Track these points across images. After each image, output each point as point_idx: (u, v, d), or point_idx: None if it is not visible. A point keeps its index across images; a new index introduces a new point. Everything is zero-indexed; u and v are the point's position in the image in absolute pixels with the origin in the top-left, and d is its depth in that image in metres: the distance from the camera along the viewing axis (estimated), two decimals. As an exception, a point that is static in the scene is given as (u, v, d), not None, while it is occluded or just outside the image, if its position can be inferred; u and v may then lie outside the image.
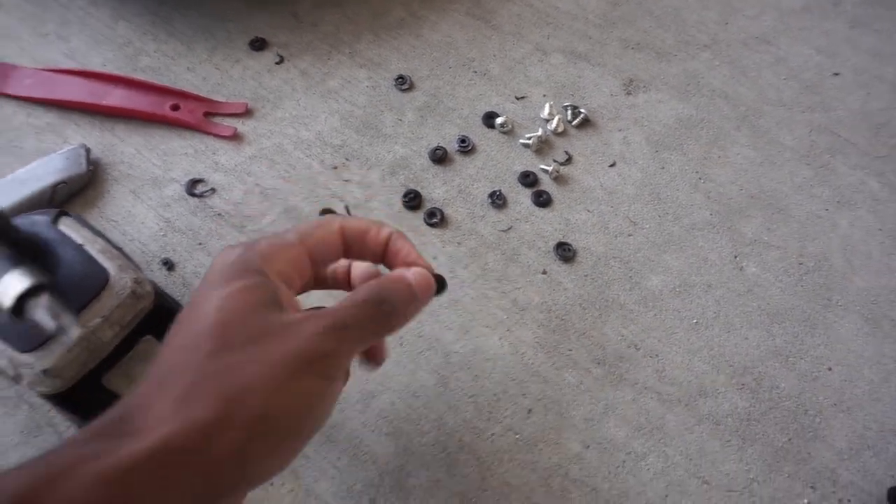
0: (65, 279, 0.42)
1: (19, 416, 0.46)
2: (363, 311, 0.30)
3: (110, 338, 0.42)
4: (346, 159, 0.58)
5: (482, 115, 0.61)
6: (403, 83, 0.63)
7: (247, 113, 0.60)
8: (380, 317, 0.31)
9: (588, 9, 0.70)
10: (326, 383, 0.28)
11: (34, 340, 0.40)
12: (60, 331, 0.20)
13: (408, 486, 0.45)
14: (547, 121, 0.61)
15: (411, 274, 0.32)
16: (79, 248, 0.43)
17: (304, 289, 0.34)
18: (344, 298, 0.31)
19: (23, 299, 0.20)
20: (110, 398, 0.43)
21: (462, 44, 0.66)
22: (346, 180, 0.57)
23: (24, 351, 0.40)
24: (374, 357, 0.38)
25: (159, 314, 0.45)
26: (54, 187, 0.54)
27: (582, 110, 0.61)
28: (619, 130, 0.62)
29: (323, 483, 0.45)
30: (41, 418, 0.46)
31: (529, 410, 0.48)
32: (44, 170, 0.54)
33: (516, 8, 0.70)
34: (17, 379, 0.41)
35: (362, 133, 0.60)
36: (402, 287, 0.32)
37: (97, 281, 0.42)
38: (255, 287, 0.29)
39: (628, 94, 0.64)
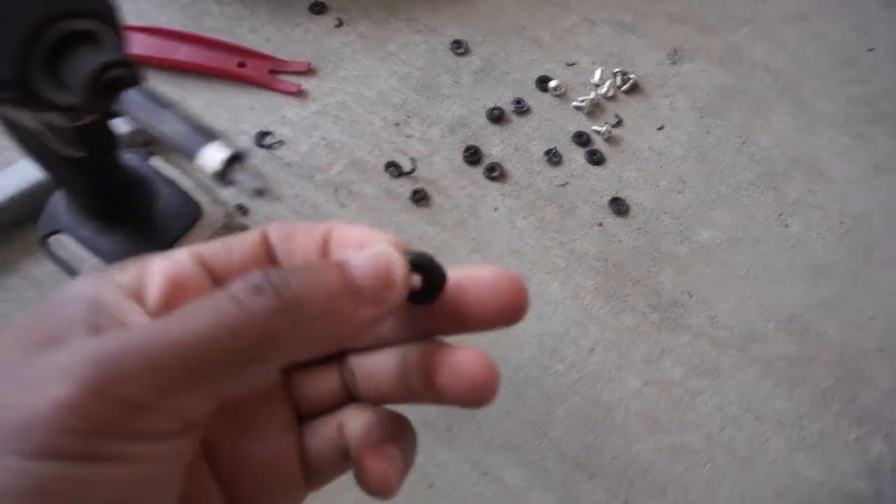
0: (163, 210, 0.44)
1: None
2: (208, 317, 0.17)
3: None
4: (407, 116, 0.61)
5: (535, 79, 0.64)
6: (459, 48, 0.65)
7: (310, 72, 0.63)
8: (249, 331, 0.17)
9: None
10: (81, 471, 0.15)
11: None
12: (260, 191, 0.22)
13: (479, 416, 0.48)
14: (597, 85, 0.64)
15: (355, 255, 0.19)
16: (172, 183, 0.46)
17: None
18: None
19: (227, 165, 0.22)
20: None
21: (513, 13, 0.69)
22: (409, 136, 0.60)
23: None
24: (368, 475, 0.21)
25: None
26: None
27: (631, 76, 0.64)
28: (666, 97, 0.65)
29: (402, 411, 0.47)
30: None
31: (591, 350, 0.51)
32: (121, 118, 0.57)
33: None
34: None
35: (421, 93, 0.62)
36: (318, 274, 0.18)
37: (192, 212, 0.45)
38: (35, 319, 0.17)
39: (673, 63, 0.67)
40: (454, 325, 0.21)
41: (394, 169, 0.57)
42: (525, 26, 0.68)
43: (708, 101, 0.65)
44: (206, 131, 0.23)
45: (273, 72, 0.62)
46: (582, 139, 0.60)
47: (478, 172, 0.58)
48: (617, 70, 0.65)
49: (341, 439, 0.22)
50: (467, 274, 0.21)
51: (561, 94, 0.63)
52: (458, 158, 0.59)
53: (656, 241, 0.56)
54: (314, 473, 0.22)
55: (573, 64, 0.66)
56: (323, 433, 0.23)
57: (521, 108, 0.62)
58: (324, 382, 0.23)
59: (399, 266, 0.19)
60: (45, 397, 0.15)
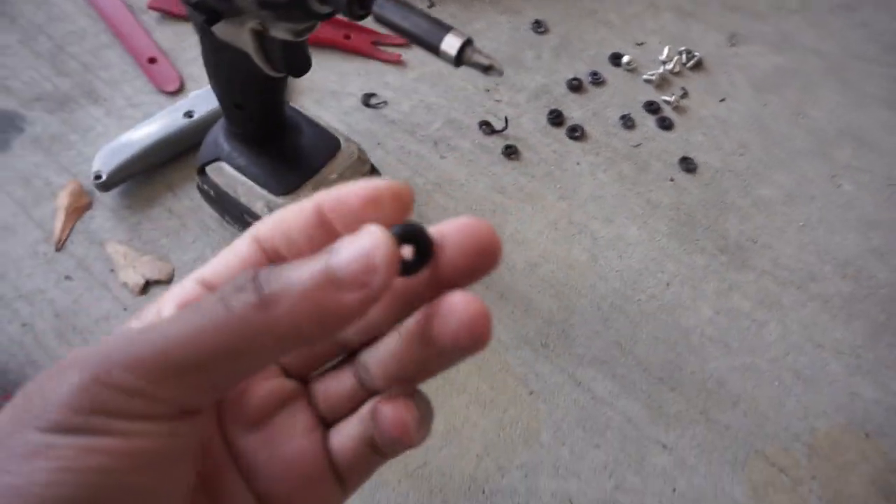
0: (308, 142, 0.51)
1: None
2: (194, 316, 0.19)
3: (344, 190, 0.51)
4: (496, 84, 0.68)
5: (608, 55, 0.71)
6: (539, 27, 0.72)
7: (407, 44, 0.70)
8: (229, 327, 0.18)
9: None
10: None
11: (289, 186, 0.50)
12: (488, 67, 0.29)
13: (572, 335, 0.54)
14: (665, 62, 0.71)
15: (340, 243, 0.19)
16: (312, 121, 0.53)
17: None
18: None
19: (462, 49, 0.29)
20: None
21: (585, -1, 0.76)
22: (497, 101, 0.67)
23: (279, 195, 0.50)
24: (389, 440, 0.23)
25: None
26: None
27: (696, 53, 0.71)
28: (725, 74, 0.72)
29: (501, 330, 0.54)
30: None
31: (667, 284, 0.57)
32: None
33: None
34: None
35: (507, 65, 0.70)
36: (299, 268, 0.19)
37: (331, 145, 0.52)
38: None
39: (731, 45, 0.74)
40: (434, 286, 0.21)
41: (486, 127, 0.64)
42: (596, 10, 0.75)
43: (764, 78, 0.72)
44: (442, 25, 0.29)
45: (375, 43, 0.69)
46: (652, 107, 0.67)
47: (561, 133, 0.65)
48: (682, 48, 0.72)
49: (365, 429, 0.23)
50: (438, 230, 0.21)
51: (632, 69, 0.70)
52: (543, 120, 0.66)
53: (722, 194, 0.63)
54: (345, 472, 0.23)
55: (642, 44, 0.73)
56: (346, 430, 0.24)
57: (597, 80, 0.69)
58: (340, 384, 0.24)
59: (383, 247, 0.19)
60: (65, 383, 0.18)
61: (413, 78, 0.68)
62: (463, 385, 0.51)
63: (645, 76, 0.69)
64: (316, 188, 0.49)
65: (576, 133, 0.65)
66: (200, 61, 0.69)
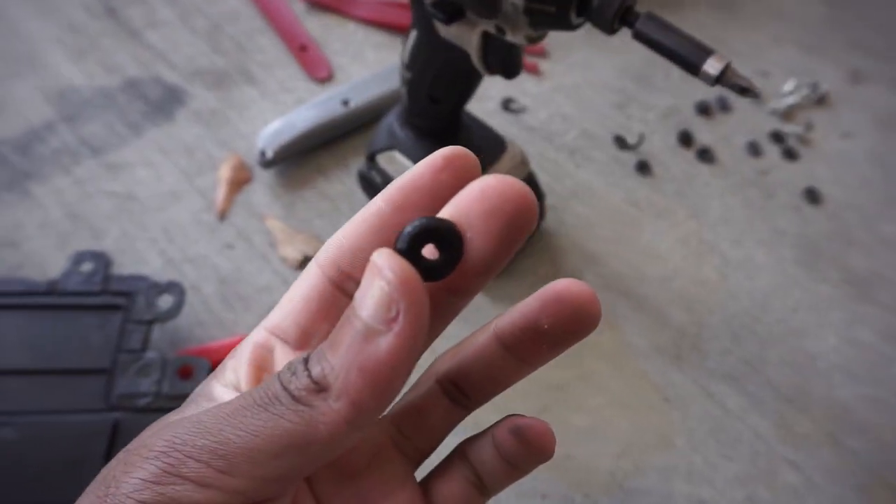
0: (477, 139, 0.54)
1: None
2: (254, 419, 0.18)
3: (506, 189, 0.54)
4: (627, 100, 0.70)
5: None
6: (668, 49, 0.75)
7: (545, 54, 0.72)
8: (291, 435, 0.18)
9: (812, 12, 0.82)
10: None
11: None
12: (746, 89, 0.31)
13: (704, 349, 0.56)
14: (789, 94, 0.73)
15: (358, 298, 0.18)
16: (479, 121, 0.56)
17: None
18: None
19: (723, 72, 0.31)
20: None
21: (712, 26, 0.78)
22: (629, 117, 0.69)
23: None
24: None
25: (531, 182, 0.56)
26: (407, 86, 0.66)
27: (823, 86, 0.73)
28: (849, 110, 0.73)
29: (637, 337, 0.56)
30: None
31: (794, 309, 0.59)
32: (394, 73, 0.67)
33: (752, 5, 0.82)
34: (439, 208, 0.53)
35: (638, 83, 0.72)
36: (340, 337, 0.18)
37: (499, 145, 0.54)
38: None
39: (855, 82, 0.76)
40: (465, 278, 0.20)
41: (620, 142, 0.67)
42: (724, 38, 0.77)
43: (888, 118, 0.73)
44: (704, 46, 0.32)
45: (512, 51, 0.72)
46: (777, 137, 0.69)
47: (689, 153, 0.67)
48: (807, 81, 0.74)
49: (472, 474, 0.23)
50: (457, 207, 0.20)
51: (759, 98, 0.72)
52: (672, 140, 0.68)
53: (846, 228, 0.64)
54: None
55: (766, 73, 0.75)
56: (450, 472, 0.24)
57: (724, 105, 0.71)
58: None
59: (388, 272, 0.17)
60: (136, 474, 0.18)
61: (549, 88, 0.70)
62: (602, 386, 0.53)
63: (770, 105, 0.71)
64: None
65: (705, 155, 0.67)
66: (346, 52, 0.72)
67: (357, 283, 0.18)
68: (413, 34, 0.44)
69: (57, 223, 0.58)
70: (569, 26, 0.36)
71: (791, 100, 0.72)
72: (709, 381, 0.55)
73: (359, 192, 0.60)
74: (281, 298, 0.23)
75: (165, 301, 0.49)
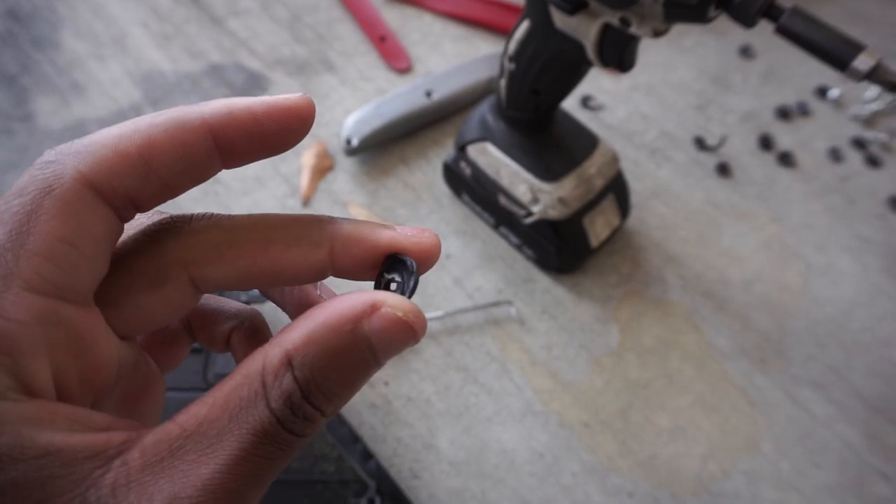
0: (568, 133, 0.54)
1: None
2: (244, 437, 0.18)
3: (597, 186, 0.53)
4: (706, 102, 0.70)
5: (813, 87, 0.72)
6: (746, 52, 0.74)
7: (622, 53, 0.72)
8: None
9: (893, 15, 0.81)
10: None
11: (555, 174, 0.52)
12: (894, 85, 0.31)
13: (788, 354, 0.55)
14: (873, 100, 0.71)
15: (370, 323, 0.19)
16: (570, 117, 0.55)
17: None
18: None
19: (874, 69, 0.31)
20: (583, 233, 0.54)
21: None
22: (708, 118, 0.68)
23: (545, 181, 0.52)
24: None
25: (620, 180, 0.56)
26: (488, 80, 0.66)
27: (906, 96, 0.72)
28: (930, 120, 0.72)
29: (721, 339, 0.55)
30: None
31: (880, 318, 0.58)
32: (476, 66, 0.67)
33: (830, 8, 0.81)
34: (531, 203, 0.52)
35: (716, 85, 0.71)
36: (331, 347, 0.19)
37: (591, 141, 0.54)
38: None
39: (935, 93, 0.74)
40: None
41: (700, 143, 0.66)
42: (802, 42, 0.76)
43: (969, 129, 0.72)
44: (855, 42, 0.31)
45: (590, 48, 0.72)
46: (859, 143, 0.68)
47: (770, 157, 0.66)
48: (889, 90, 0.72)
49: None
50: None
51: (839, 104, 0.71)
52: (752, 143, 0.67)
53: (932, 239, 0.63)
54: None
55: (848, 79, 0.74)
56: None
57: (804, 110, 0.70)
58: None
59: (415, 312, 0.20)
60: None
61: (628, 87, 0.70)
62: (687, 386, 0.53)
63: (852, 110, 0.70)
64: (578, 179, 0.51)
65: (786, 159, 0.66)
66: (424, 44, 0.72)
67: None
68: (524, 25, 0.44)
69: (142, 203, 0.59)
70: (704, 19, 0.35)
71: (874, 106, 0.71)
72: (794, 386, 0.54)
73: (440, 183, 0.60)
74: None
75: (257, 283, 0.49)
